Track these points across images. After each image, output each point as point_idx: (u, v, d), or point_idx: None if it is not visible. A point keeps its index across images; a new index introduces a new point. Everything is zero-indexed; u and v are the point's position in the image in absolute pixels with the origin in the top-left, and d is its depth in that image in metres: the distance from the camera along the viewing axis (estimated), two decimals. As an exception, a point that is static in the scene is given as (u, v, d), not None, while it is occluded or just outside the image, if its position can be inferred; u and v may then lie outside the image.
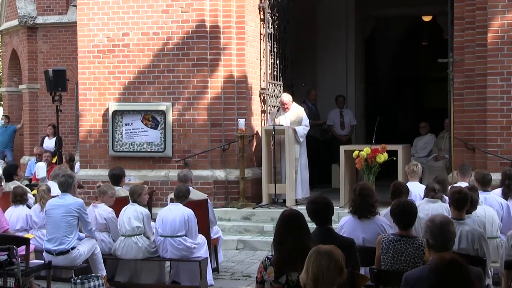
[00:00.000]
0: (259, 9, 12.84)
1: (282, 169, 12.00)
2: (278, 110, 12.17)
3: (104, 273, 8.36)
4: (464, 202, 6.59)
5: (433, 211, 7.33)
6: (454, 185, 8.50)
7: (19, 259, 7.46)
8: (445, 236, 4.82)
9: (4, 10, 18.77)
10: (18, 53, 18.05)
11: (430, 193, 7.85)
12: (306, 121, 12.27)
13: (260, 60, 12.85)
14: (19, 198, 9.18)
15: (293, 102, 12.33)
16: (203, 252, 8.61)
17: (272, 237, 5.06)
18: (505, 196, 8.51)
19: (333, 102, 15.06)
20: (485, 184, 8.49)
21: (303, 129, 12.16)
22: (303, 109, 12.54)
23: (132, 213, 8.51)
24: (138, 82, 12.28)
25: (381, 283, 5.95)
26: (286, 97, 12.27)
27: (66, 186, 8.37)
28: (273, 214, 11.43)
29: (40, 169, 13.14)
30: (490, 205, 8.00)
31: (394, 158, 11.22)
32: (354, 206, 6.89)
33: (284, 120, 12.03)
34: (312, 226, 5.61)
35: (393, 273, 5.87)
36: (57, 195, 8.68)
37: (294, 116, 12.17)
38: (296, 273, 4.68)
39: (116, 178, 9.88)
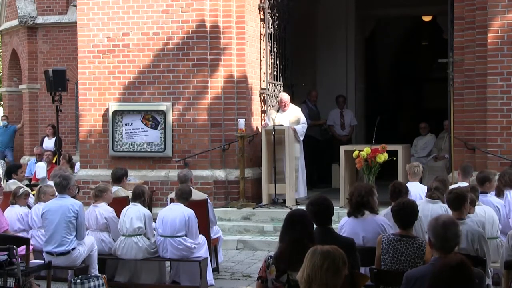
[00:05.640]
0: (259, 9, 12.84)
1: (283, 169, 11.99)
2: (278, 110, 12.17)
3: (97, 273, 8.33)
4: (457, 202, 6.59)
5: (433, 212, 7.33)
6: (454, 185, 8.50)
7: (19, 259, 7.46)
8: (447, 236, 4.82)
9: (4, 10, 18.78)
10: (18, 53, 18.06)
11: (428, 193, 7.86)
12: (304, 119, 12.32)
13: (260, 60, 12.86)
14: (15, 198, 9.22)
15: (290, 103, 12.38)
16: (203, 252, 8.61)
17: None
18: (498, 194, 8.51)
19: (333, 102, 15.07)
20: (480, 183, 8.46)
21: (302, 128, 12.19)
22: (299, 108, 12.57)
23: (135, 213, 8.51)
24: (138, 82, 12.29)
25: (381, 283, 5.95)
26: (286, 96, 12.32)
27: (61, 187, 8.36)
28: (273, 214, 11.45)
29: (40, 169, 13.13)
30: (486, 208, 7.99)
31: (394, 158, 11.22)
32: (349, 207, 6.93)
33: (283, 120, 12.03)
34: (312, 226, 5.62)
35: (393, 273, 5.87)
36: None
37: (293, 117, 12.18)
38: (297, 273, 4.70)
39: (118, 177, 9.88)
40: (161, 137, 12.18)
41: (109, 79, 12.40)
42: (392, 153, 11.25)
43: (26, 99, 17.65)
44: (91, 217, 8.76)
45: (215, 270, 9.28)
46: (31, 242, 8.44)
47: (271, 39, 13.04)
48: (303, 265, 4.09)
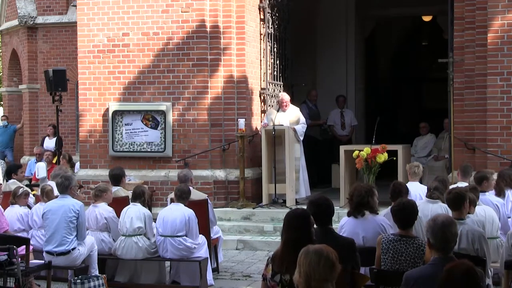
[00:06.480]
0: (259, 9, 12.85)
1: (283, 169, 11.99)
2: (278, 110, 12.17)
3: (97, 273, 8.34)
4: (456, 202, 6.59)
5: (433, 212, 7.33)
6: (453, 185, 8.50)
7: (19, 259, 7.46)
8: (445, 236, 4.82)
9: (4, 10, 18.78)
10: (18, 53, 18.06)
11: (428, 193, 7.86)
12: (303, 119, 12.33)
13: (260, 60, 12.86)
14: (15, 198, 9.21)
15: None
16: (203, 252, 8.61)
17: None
18: (499, 194, 8.52)
19: (333, 102, 15.07)
20: (478, 182, 8.46)
21: (302, 128, 12.20)
22: (298, 109, 12.58)
23: (135, 213, 8.51)
24: (138, 82, 12.29)
25: (381, 283, 5.95)
26: (287, 96, 12.33)
27: (63, 188, 8.36)
28: (273, 214, 11.45)
29: (40, 169, 13.14)
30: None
31: (394, 158, 11.22)
32: (349, 207, 6.95)
33: (283, 120, 12.04)
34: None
35: (393, 273, 5.87)
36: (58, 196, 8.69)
37: (293, 117, 12.19)
38: (288, 275, 4.73)
39: (116, 178, 9.88)
40: (161, 137, 12.18)
41: (109, 79, 12.40)
42: (392, 153, 11.25)
43: (26, 99, 17.65)
44: (91, 217, 8.76)
45: (215, 270, 9.28)
46: (31, 242, 8.45)
47: (271, 39, 13.04)
48: (298, 266, 4.14)
